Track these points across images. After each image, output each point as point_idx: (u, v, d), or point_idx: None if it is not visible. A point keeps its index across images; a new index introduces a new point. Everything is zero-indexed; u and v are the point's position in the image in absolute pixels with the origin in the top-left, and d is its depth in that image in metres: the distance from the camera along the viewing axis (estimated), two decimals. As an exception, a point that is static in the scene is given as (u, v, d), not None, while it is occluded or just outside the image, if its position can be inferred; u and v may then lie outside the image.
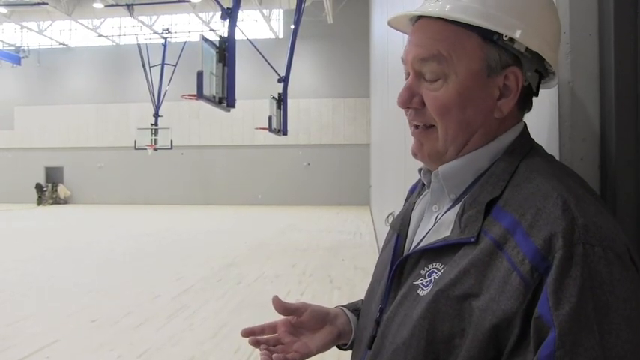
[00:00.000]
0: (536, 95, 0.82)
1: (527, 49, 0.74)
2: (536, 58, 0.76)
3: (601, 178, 0.87)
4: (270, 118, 14.30)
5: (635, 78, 0.83)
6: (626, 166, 0.83)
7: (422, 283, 0.74)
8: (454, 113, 0.75)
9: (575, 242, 0.60)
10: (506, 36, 0.73)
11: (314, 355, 0.96)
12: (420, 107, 0.79)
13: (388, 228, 0.98)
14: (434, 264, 0.74)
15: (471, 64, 0.74)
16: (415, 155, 0.83)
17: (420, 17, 0.80)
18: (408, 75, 0.82)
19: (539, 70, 0.78)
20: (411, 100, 0.79)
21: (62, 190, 25.67)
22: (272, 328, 0.97)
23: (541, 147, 0.81)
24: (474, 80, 0.74)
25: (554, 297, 0.59)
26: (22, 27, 24.68)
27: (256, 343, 0.95)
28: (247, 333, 0.96)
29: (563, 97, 0.90)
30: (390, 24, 0.89)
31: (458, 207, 0.76)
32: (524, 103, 0.80)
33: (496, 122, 0.77)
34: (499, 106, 0.76)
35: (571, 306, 0.58)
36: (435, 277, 0.72)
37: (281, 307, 0.95)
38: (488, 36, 0.74)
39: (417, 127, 0.81)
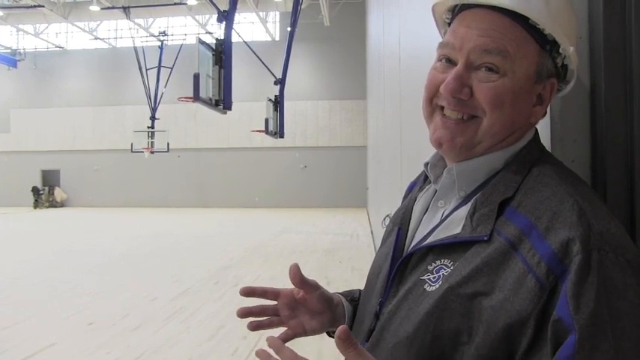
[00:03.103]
0: None
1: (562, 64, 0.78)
2: (563, 74, 0.80)
3: (592, 179, 0.88)
4: (266, 121, 14.30)
5: (625, 80, 0.84)
6: (617, 167, 0.84)
7: (429, 279, 0.73)
8: (506, 107, 0.75)
9: (591, 248, 0.61)
10: (562, 49, 0.76)
11: (305, 336, 0.95)
12: (466, 98, 0.76)
13: (384, 229, 0.97)
14: (442, 260, 0.73)
15: (529, 67, 0.75)
16: (440, 145, 0.79)
17: (469, 7, 0.78)
18: (446, 60, 0.79)
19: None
20: (462, 90, 0.76)
21: (59, 193, 25.57)
22: (274, 294, 0.95)
23: (550, 152, 0.82)
24: (526, 83, 0.75)
25: (574, 301, 0.59)
26: (18, 30, 24.61)
27: (256, 328, 0.93)
28: (244, 312, 0.93)
29: (554, 99, 0.92)
30: (434, 7, 0.87)
31: (469, 205, 0.76)
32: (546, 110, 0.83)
33: (528, 127, 0.80)
34: (534, 112, 0.78)
35: (590, 310, 0.58)
36: (443, 274, 0.72)
37: (298, 277, 0.90)
38: (544, 44, 0.76)
39: (447, 116, 0.78)
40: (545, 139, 0.93)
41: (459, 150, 0.78)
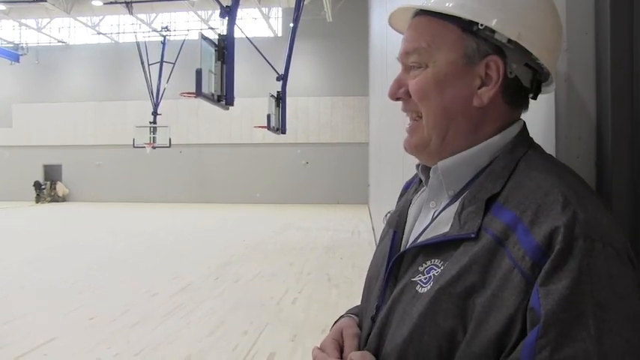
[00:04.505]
0: (534, 95, 0.81)
1: (511, 41, 0.74)
2: (525, 52, 0.75)
3: (597, 175, 0.87)
4: (268, 117, 14.28)
5: (631, 76, 0.83)
6: (622, 164, 0.83)
7: (420, 280, 0.73)
8: (433, 97, 0.77)
9: (576, 236, 0.60)
10: (482, 25, 0.74)
11: None
12: (407, 98, 0.82)
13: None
14: (432, 260, 0.73)
15: (449, 53, 0.76)
16: (405, 148, 0.86)
17: (414, 16, 0.83)
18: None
19: (532, 66, 0.77)
20: (398, 92, 0.83)
21: (60, 188, 25.62)
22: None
23: (539, 146, 0.81)
24: (451, 68, 0.76)
25: (544, 288, 0.59)
26: (21, 24, 24.58)
27: None
28: None
29: (559, 95, 0.90)
30: (390, 24, 0.91)
31: (457, 204, 0.75)
32: (517, 98, 0.79)
33: (477, 112, 0.77)
34: (479, 94, 0.76)
35: (561, 297, 0.58)
36: (434, 274, 0.71)
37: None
38: (468, 27, 0.75)
39: (410, 120, 0.84)
40: (550, 136, 0.92)
41: (415, 150, 0.83)
